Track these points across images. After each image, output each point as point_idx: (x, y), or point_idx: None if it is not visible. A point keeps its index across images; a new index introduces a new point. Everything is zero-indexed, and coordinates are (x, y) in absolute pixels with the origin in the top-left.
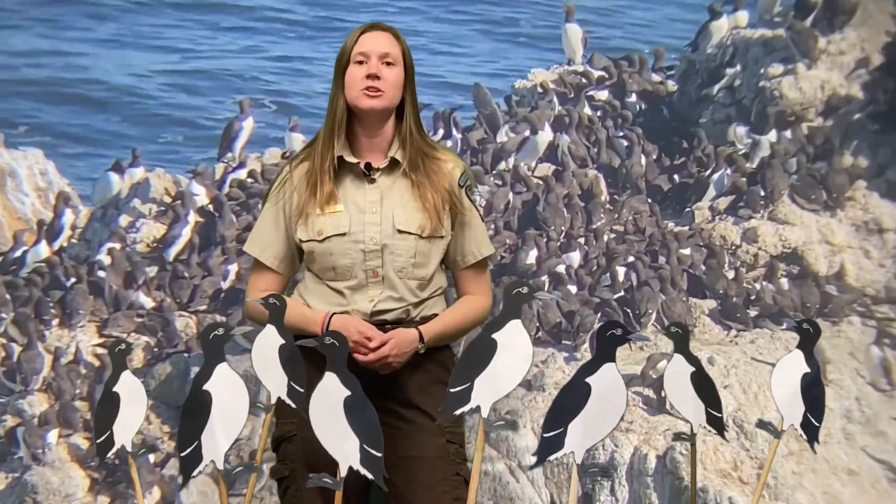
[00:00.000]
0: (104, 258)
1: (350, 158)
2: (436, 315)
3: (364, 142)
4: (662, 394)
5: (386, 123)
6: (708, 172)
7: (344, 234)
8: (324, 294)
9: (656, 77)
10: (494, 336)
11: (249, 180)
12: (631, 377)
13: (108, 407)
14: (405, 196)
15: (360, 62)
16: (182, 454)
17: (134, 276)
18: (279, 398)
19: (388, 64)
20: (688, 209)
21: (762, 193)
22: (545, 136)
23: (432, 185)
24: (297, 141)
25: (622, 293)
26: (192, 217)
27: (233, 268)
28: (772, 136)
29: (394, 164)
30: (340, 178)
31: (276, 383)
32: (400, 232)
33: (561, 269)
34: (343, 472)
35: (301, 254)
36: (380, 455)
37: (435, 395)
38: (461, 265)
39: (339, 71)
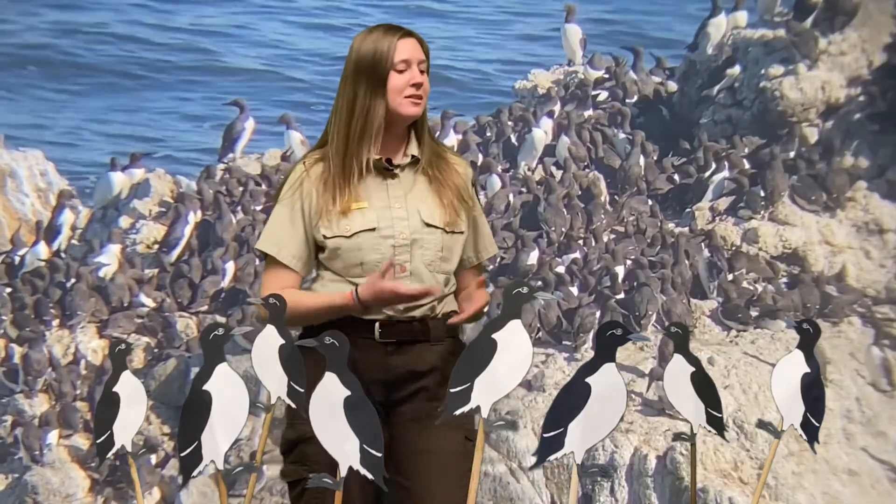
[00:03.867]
0: (105, 259)
1: (376, 156)
2: (454, 311)
3: (385, 140)
4: (656, 395)
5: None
6: (708, 173)
7: (373, 230)
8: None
9: (656, 77)
10: (494, 336)
11: (249, 182)
12: (634, 372)
13: (108, 407)
14: (425, 192)
15: (402, 70)
16: (182, 454)
17: (135, 277)
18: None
19: (422, 72)
20: (688, 210)
21: (762, 194)
22: (540, 132)
23: (447, 183)
24: (297, 140)
25: (622, 294)
26: (193, 218)
27: (230, 266)
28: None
29: (412, 162)
30: (363, 176)
31: (276, 383)
32: (427, 225)
33: (561, 269)
34: (343, 472)
35: (317, 253)
36: (380, 455)
37: None
38: (474, 261)
39: (376, 76)
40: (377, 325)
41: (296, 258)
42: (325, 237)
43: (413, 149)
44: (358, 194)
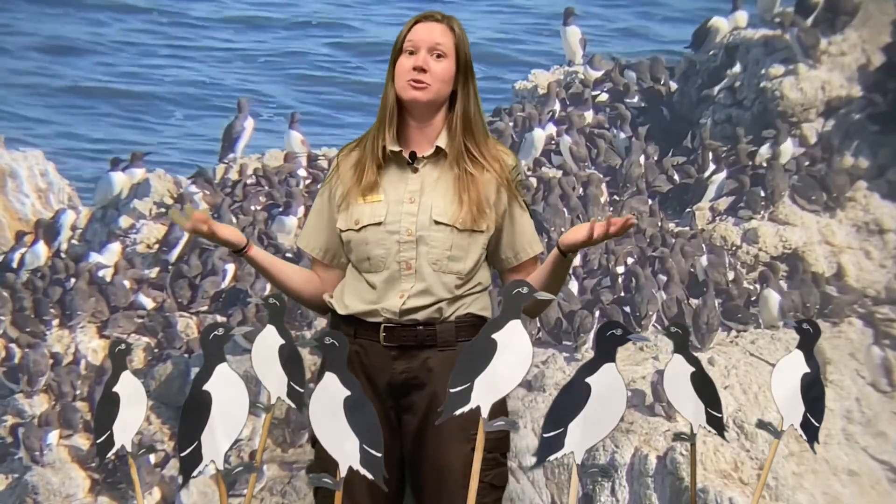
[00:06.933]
0: (105, 259)
1: (394, 147)
2: (473, 314)
3: (413, 132)
4: (647, 401)
5: (436, 115)
6: (708, 173)
7: (379, 224)
8: (358, 289)
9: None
10: (494, 336)
11: (250, 181)
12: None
13: (108, 407)
14: (447, 187)
15: (411, 52)
16: (182, 454)
17: (135, 277)
18: None
19: (439, 56)
20: (688, 210)
21: (762, 194)
22: (540, 132)
23: (478, 179)
24: (297, 140)
25: (622, 294)
26: None
27: (230, 267)
28: (788, 146)
29: (440, 155)
30: (386, 168)
31: (276, 383)
32: (437, 223)
33: None
34: (343, 472)
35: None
36: (380, 455)
37: None
38: (513, 262)
39: (392, 60)
40: (381, 328)
41: (320, 249)
42: (340, 230)
43: (441, 140)
44: (377, 187)
